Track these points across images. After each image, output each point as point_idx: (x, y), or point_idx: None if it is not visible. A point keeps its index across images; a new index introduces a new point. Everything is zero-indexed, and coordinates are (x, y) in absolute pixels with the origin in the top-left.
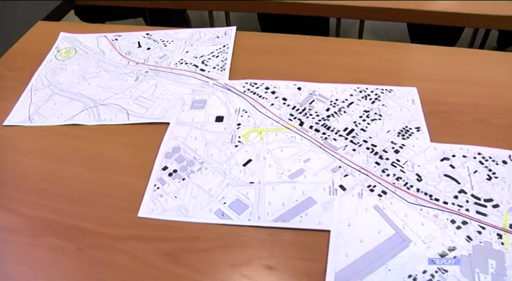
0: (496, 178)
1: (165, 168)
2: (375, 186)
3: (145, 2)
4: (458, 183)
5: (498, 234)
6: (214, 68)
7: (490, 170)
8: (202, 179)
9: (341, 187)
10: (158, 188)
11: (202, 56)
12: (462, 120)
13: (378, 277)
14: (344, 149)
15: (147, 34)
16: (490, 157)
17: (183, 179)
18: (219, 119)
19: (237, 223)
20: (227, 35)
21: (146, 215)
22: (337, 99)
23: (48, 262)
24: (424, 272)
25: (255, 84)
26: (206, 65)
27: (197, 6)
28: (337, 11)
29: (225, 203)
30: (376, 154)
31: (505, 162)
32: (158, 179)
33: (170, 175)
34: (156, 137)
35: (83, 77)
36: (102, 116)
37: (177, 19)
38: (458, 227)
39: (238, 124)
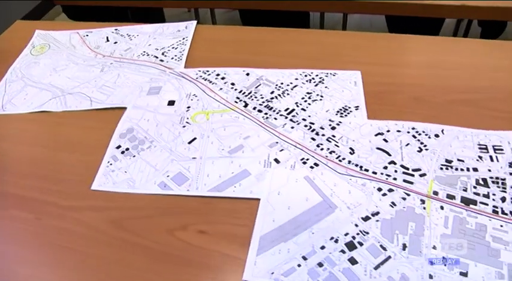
0: (426, 150)
1: (118, 147)
2: (308, 159)
3: (123, 1)
4: (390, 155)
5: (422, 200)
6: (172, 58)
7: (421, 143)
8: (150, 155)
9: (275, 160)
10: (111, 164)
11: (162, 48)
12: (400, 98)
13: (301, 239)
14: (283, 127)
15: (116, 29)
16: (423, 131)
17: (134, 156)
18: (171, 103)
19: (177, 193)
20: (188, 28)
21: (98, 188)
22: (282, 83)
23: (9, 230)
24: (346, 234)
25: (207, 71)
26: (165, 56)
27: (175, 4)
28: (316, 5)
29: (168, 176)
30: (313, 130)
31: (437, 136)
32: (112, 156)
33: (122, 152)
34: (114, 120)
35: (54, 69)
36: (68, 104)
37: (157, 18)
38: (384, 194)
39: (188, 107)
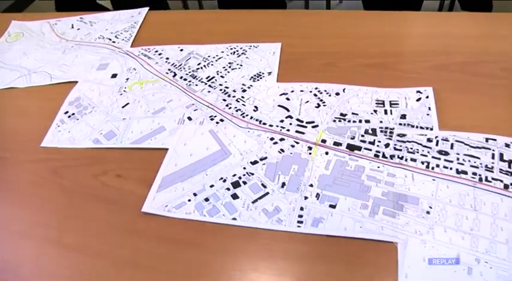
0: (324, 106)
1: (66, 112)
2: (215, 116)
3: None
4: (288, 110)
5: (309, 147)
6: (122, 39)
7: (321, 100)
8: (90, 118)
9: (188, 118)
10: (59, 126)
11: (116, 32)
12: (311, 64)
13: (196, 179)
14: (202, 91)
15: (81, 18)
16: (325, 90)
17: (77, 119)
18: (114, 76)
19: (105, 146)
20: (140, 14)
21: (46, 145)
22: (209, 56)
23: None
24: (234, 175)
25: (148, 49)
26: (117, 37)
27: None
28: None
29: (101, 133)
30: (226, 93)
31: (337, 94)
32: (60, 120)
33: (69, 117)
34: (67, 92)
35: (24, 53)
36: (32, 80)
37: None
38: (275, 143)
39: (127, 79)
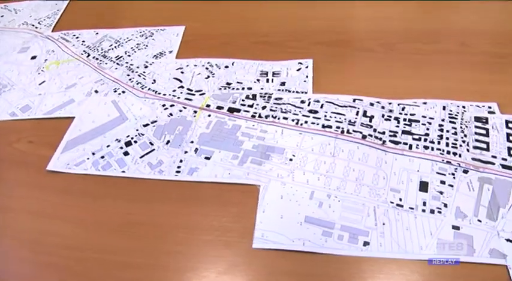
0: (213, 77)
1: None
2: (119, 89)
3: None
4: (181, 82)
5: (195, 111)
6: (45, 25)
7: (211, 72)
8: (9, 95)
9: (95, 91)
10: None
11: (40, 18)
12: (210, 43)
13: (95, 142)
14: (110, 68)
15: (5, 5)
16: (216, 64)
17: None
18: (34, 57)
19: (21, 118)
20: (63, 1)
21: None
22: (120, 39)
23: None
24: (128, 136)
25: (68, 33)
26: (40, 23)
27: None
28: None
29: (18, 107)
30: (130, 69)
31: (227, 66)
32: None
33: None
34: None
35: None
36: None
37: None
38: (166, 108)
39: (46, 60)
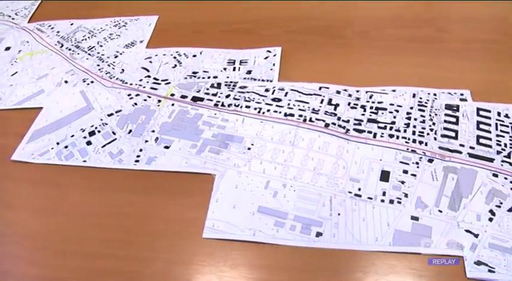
0: (180, 66)
1: None
2: (88, 79)
3: None
4: (148, 71)
5: (159, 100)
6: (21, 16)
7: (178, 62)
8: None
9: (65, 81)
10: None
11: (17, 9)
12: (181, 33)
13: (60, 132)
14: (81, 59)
15: None
16: (184, 53)
17: None
18: (8, 48)
19: None
20: None
21: None
22: (94, 29)
23: None
24: (92, 126)
25: (43, 24)
26: (16, 15)
27: None
28: None
29: None
30: (101, 59)
31: (194, 56)
32: None
33: None
34: None
35: None
36: None
37: None
38: (131, 98)
39: (20, 50)
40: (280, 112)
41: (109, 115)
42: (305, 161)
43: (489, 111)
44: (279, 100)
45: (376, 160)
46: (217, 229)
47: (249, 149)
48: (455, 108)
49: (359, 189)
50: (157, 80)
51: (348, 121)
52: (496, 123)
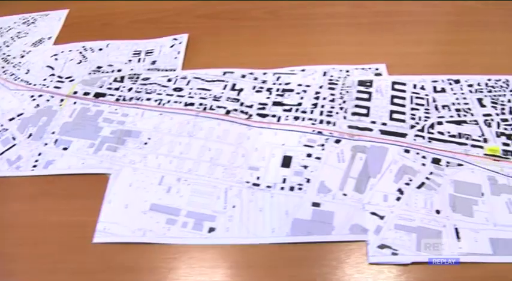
0: (85, 61)
1: None
2: None
3: None
4: (53, 69)
5: (61, 99)
6: None
7: (84, 57)
8: None
9: None
10: None
11: None
12: (91, 26)
13: None
14: None
15: None
16: (90, 48)
17: None
18: None
19: None
20: None
21: None
22: (1, 28)
23: None
24: None
25: None
26: None
27: None
28: None
29: None
30: (6, 61)
31: (101, 49)
32: None
33: None
34: None
35: None
36: None
37: None
38: (34, 99)
39: None
40: (180, 102)
41: (10, 120)
42: (202, 152)
43: (404, 84)
44: (180, 89)
45: (279, 144)
46: (108, 232)
47: (145, 143)
48: (368, 83)
49: (257, 178)
50: (61, 78)
51: (251, 106)
52: (411, 97)
